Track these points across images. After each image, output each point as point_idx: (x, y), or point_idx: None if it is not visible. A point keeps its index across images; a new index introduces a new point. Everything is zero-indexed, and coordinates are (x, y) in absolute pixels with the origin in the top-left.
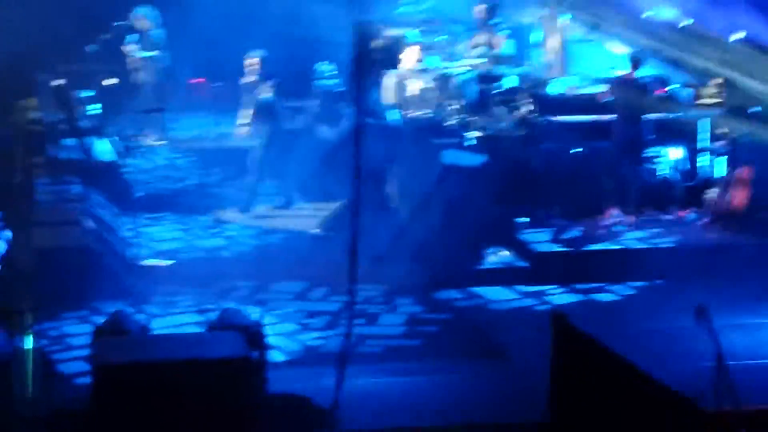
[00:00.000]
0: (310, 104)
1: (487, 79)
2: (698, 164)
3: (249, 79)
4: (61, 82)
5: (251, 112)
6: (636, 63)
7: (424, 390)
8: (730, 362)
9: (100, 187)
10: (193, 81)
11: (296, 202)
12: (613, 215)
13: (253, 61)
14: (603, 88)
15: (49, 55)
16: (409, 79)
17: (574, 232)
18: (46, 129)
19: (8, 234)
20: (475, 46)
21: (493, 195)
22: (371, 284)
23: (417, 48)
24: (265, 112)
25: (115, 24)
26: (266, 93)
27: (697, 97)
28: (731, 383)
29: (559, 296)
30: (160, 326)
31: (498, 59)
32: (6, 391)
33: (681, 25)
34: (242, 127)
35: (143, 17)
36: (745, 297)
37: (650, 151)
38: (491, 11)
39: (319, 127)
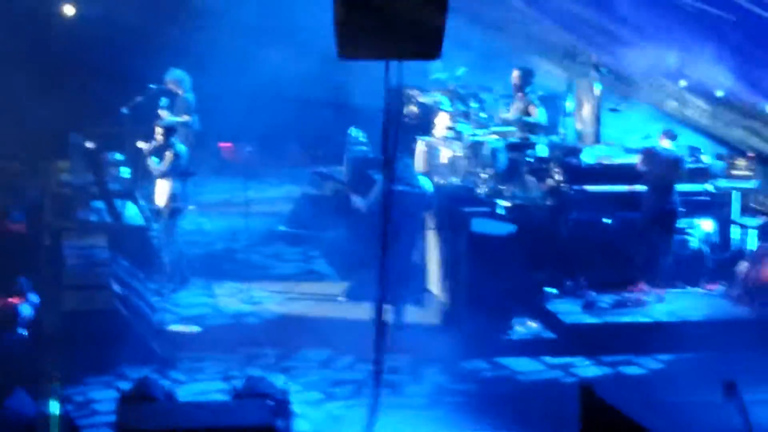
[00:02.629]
0: (339, 170)
1: (518, 147)
2: (729, 237)
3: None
4: (93, 144)
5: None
6: (667, 134)
7: None
8: None
9: (128, 251)
10: (222, 145)
11: (322, 269)
12: (643, 287)
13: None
14: (635, 158)
15: (82, 117)
16: (440, 147)
17: (603, 304)
18: (75, 192)
19: (36, 298)
20: (512, 114)
21: (521, 264)
22: (397, 353)
23: (448, 115)
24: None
25: (148, 87)
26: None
27: (730, 169)
28: None
29: (586, 368)
30: (185, 393)
31: (530, 127)
32: None
33: (717, 95)
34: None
35: (176, 81)
36: None
37: (681, 223)
38: (526, 77)
39: (348, 194)
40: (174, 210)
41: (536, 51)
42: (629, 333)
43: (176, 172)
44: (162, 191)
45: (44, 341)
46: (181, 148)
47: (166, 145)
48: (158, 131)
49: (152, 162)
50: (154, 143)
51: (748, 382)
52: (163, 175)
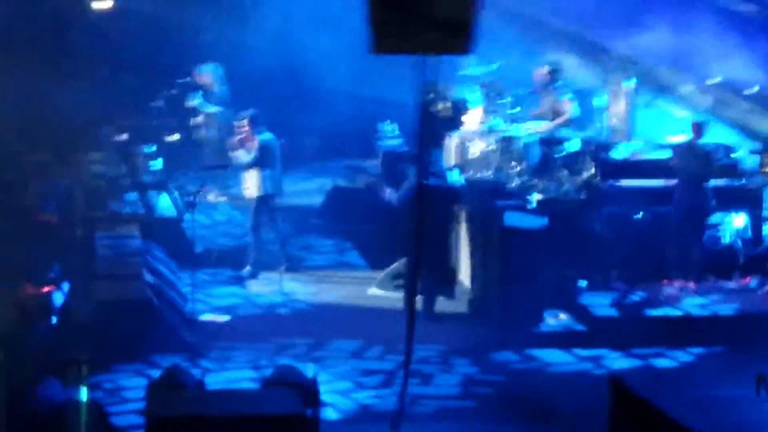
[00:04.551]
0: (371, 164)
1: (550, 142)
2: (761, 232)
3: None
4: (125, 136)
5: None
6: (699, 129)
7: None
8: None
9: (161, 242)
10: None
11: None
12: (674, 281)
13: (242, 123)
14: (667, 153)
15: (114, 109)
16: (471, 141)
17: (634, 297)
18: (108, 183)
19: (66, 286)
20: (541, 112)
21: (553, 258)
22: (427, 344)
23: (480, 110)
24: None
25: (180, 80)
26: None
27: (763, 164)
28: None
29: (616, 360)
30: (215, 381)
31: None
32: None
33: (747, 92)
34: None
35: (207, 74)
36: None
37: (714, 218)
38: (553, 75)
39: (380, 187)
40: (267, 197)
41: (570, 46)
42: (660, 326)
43: (265, 161)
44: (252, 181)
45: (76, 330)
46: (267, 136)
47: (251, 135)
48: (241, 123)
49: (241, 154)
50: (238, 136)
51: None
52: (252, 166)
